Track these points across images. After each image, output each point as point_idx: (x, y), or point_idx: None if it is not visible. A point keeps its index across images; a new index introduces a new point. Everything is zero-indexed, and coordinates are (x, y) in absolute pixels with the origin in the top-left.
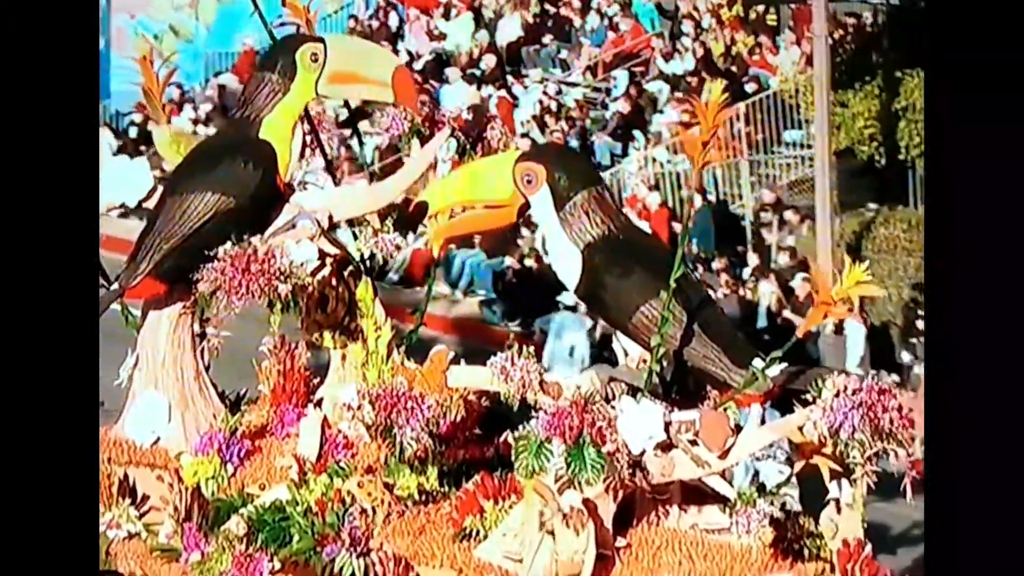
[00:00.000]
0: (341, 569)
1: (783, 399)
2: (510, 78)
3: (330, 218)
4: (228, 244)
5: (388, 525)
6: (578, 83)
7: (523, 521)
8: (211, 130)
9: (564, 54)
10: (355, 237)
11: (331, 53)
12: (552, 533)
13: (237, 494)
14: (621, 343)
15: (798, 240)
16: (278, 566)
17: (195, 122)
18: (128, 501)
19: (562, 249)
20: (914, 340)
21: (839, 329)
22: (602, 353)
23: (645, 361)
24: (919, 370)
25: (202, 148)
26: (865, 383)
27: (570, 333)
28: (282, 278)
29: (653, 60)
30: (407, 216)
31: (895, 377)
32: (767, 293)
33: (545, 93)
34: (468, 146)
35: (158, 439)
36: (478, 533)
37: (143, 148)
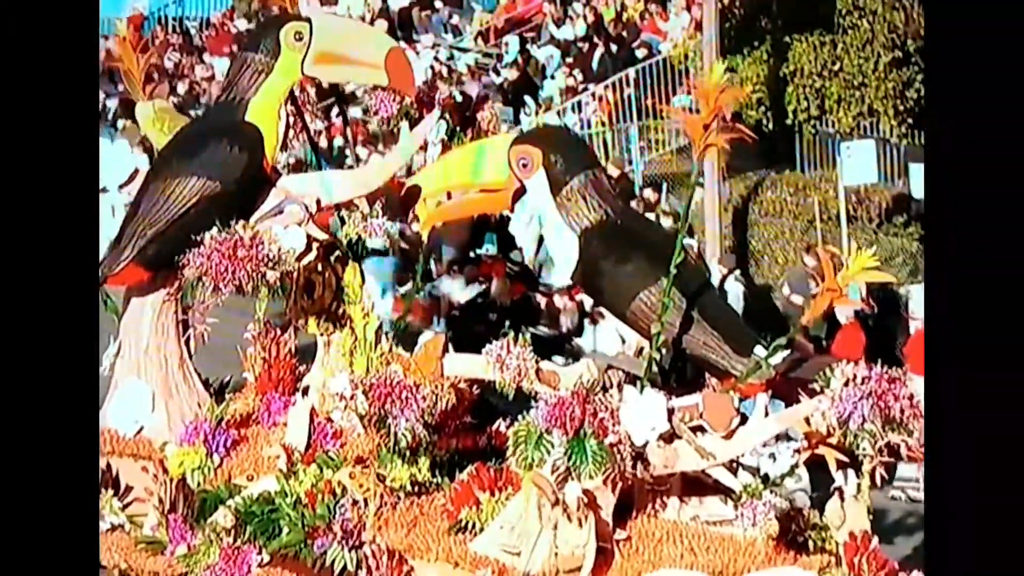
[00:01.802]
0: (333, 562)
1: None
2: (402, 43)
3: (318, 202)
4: (214, 230)
5: (381, 517)
6: (470, 48)
7: (521, 514)
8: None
9: (456, 19)
10: (343, 222)
11: (318, 33)
12: (555, 526)
13: (224, 485)
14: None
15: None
16: (267, 559)
17: None
18: (111, 492)
19: (559, 234)
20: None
21: (720, 288)
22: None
23: (643, 349)
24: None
25: (187, 131)
26: (875, 371)
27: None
28: (270, 264)
29: (544, 25)
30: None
31: None
32: None
33: (437, 59)
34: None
35: (141, 428)
36: (474, 526)
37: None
